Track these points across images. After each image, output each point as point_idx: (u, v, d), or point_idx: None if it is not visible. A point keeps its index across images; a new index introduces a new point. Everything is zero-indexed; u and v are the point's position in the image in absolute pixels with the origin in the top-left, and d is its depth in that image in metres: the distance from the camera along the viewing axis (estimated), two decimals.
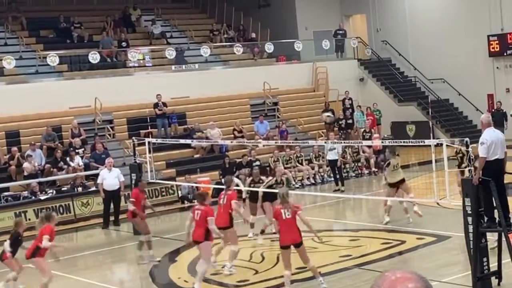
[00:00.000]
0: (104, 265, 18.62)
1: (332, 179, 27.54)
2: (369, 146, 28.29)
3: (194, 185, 25.63)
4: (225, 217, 15.96)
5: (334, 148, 26.33)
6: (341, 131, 33.29)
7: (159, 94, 30.45)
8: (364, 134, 31.55)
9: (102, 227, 23.07)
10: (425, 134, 32.05)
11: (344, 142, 27.26)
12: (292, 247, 14.08)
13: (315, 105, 35.66)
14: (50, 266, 14.86)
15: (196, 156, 30.03)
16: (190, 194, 26.27)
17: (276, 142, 28.05)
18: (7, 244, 15.79)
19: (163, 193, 26.17)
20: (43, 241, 14.55)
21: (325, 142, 26.40)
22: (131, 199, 18.80)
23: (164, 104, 30.40)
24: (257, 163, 27.78)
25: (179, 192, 26.47)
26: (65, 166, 26.38)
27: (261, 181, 19.35)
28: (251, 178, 20.19)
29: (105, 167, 23.60)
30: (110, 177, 22.97)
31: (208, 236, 14.76)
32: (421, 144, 16.11)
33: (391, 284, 3.59)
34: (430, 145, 15.62)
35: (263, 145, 28.81)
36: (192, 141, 27.80)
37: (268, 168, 27.63)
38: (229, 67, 35.88)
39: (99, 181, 23.34)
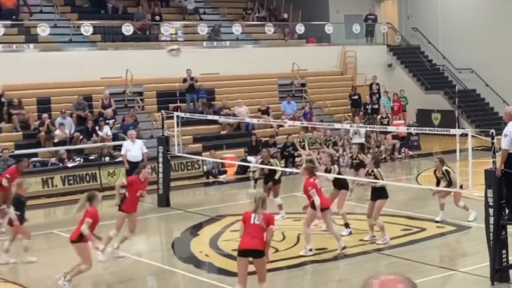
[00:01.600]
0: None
1: None
2: (388, 132, 28.23)
3: (219, 160, 25.96)
4: None
5: (358, 131, 26.52)
6: (367, 116, 33.45)
7: (189, 69, 30.78)
8: (381, 120, 31.55)
9: None
10: (450, 124, 32.11)
11: (369, 127, 27.33)
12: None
13: (343, 89, 35.85)
14: (91, 254, 14.05)
15: (223, 132, 30.37)
16: (215, 169, 26.60)
17: (302, 123, 28.26)
18: (11, 210, 15.66)
19: (189, 167, 26.53)
20: (83, 225, 13.57)
21: (351, 126, 26.53)
22: (7, 175, 18.47)
23: (193, 79, 30.77)
24: (290, 148, 28.02)
25: (204, 167, 26.80)
26: (96, 137, 26.82)
27: (269, 163, 19.46)
28: (261, 159, 20.49)
29: (129, 138, 23.90)
30: (134, 149, 23.21)
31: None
32: (446, 133, 16.20)
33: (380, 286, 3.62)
34: (455, 135, 15.73)
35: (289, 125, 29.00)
36: (219, 118, 28.15)
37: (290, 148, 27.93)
38: (260, 46, 36.06)
39: (122, 152, 23.59)
